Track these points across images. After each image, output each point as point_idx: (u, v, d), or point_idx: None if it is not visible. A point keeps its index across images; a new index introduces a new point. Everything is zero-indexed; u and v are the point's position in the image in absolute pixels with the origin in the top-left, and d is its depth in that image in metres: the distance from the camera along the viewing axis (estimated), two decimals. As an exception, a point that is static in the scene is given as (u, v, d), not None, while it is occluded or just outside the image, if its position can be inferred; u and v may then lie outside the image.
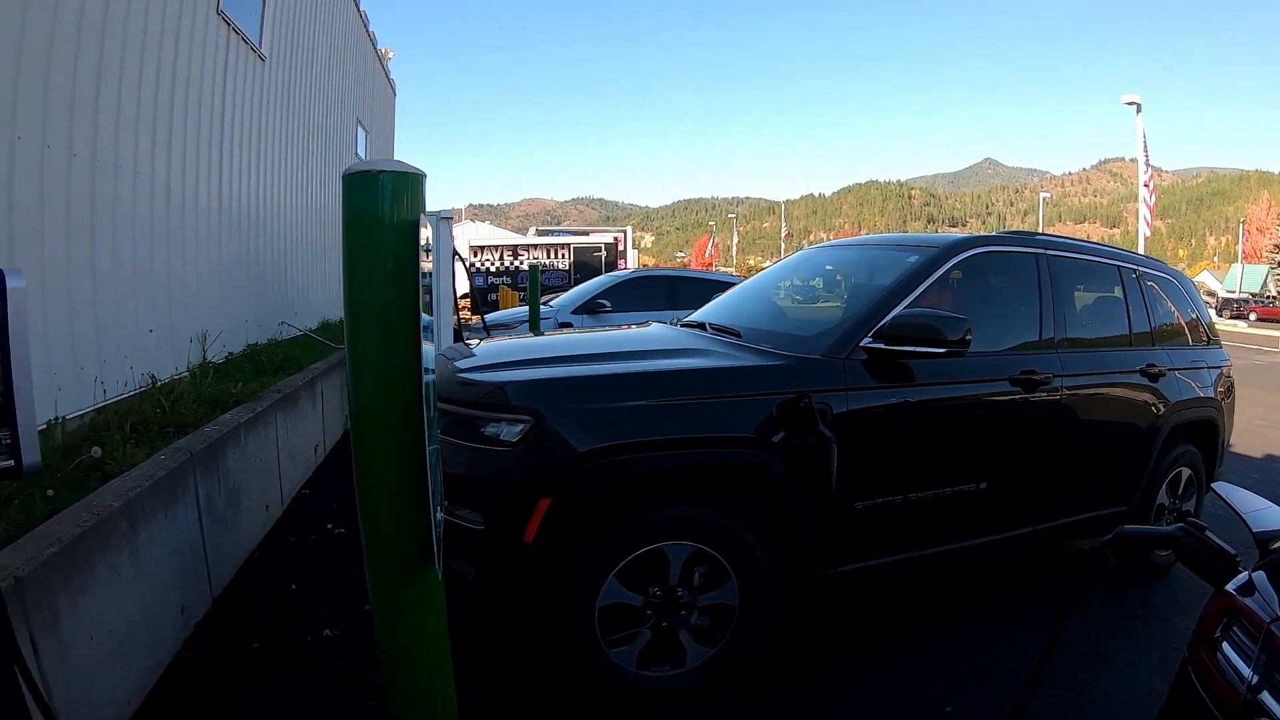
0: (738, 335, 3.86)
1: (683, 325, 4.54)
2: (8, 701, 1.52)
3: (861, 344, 3.39)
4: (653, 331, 4.44)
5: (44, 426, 4.20)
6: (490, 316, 10.64)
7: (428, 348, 1.61)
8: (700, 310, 4.87)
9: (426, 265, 1.66)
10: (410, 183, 1.67)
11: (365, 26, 14.52)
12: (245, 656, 3.54)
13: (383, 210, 1.63)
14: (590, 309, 9.95)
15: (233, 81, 7.47)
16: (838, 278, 4.96)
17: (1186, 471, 5.02)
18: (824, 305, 4.81)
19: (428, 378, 1.58)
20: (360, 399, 1.69)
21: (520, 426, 2.99)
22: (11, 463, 1.31)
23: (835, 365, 3.33)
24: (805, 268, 5.39)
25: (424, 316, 1.63)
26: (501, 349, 3.95)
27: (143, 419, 4.62)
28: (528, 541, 2.88)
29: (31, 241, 4.46)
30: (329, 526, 5.21)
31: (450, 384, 3.37)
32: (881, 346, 3.38)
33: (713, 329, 4.16)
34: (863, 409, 3.31)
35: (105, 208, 5.18)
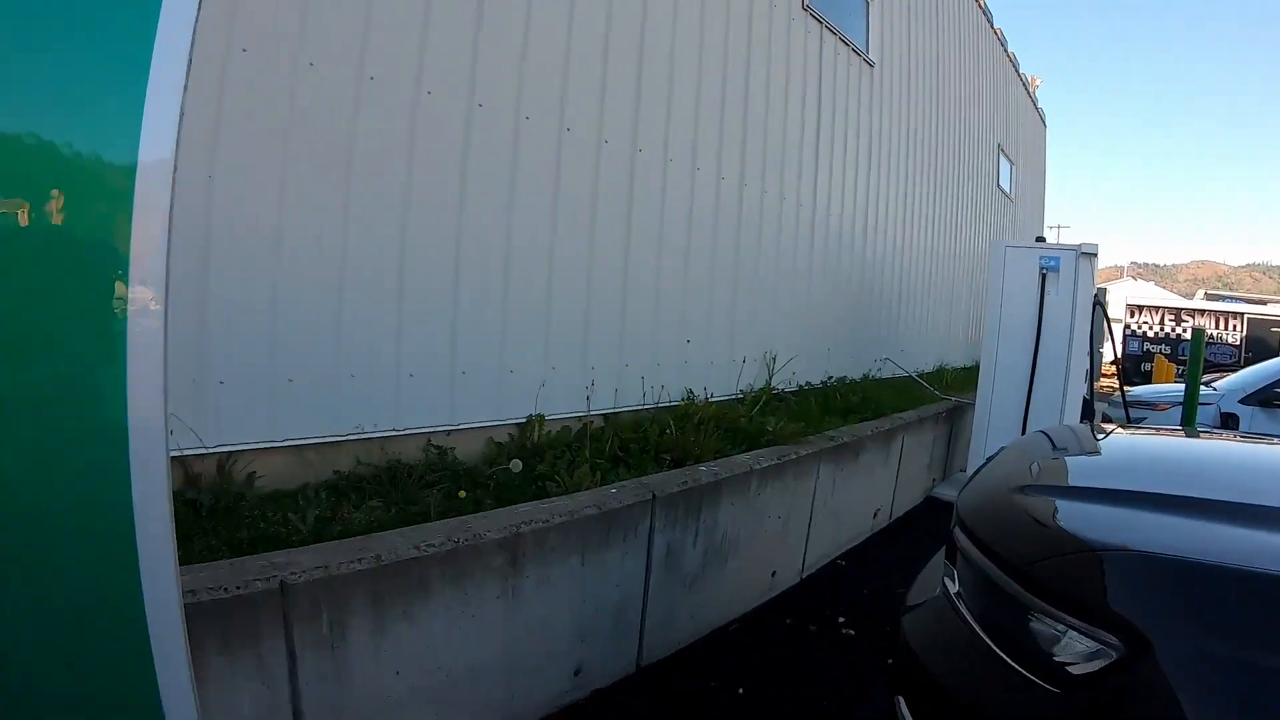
0: None
1: None
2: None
3: None
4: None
5: (523, 420, 3.94)
6: (1134, 391, 8.33)
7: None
8: None
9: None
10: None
11: (1003, 46, 12.71)
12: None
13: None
14: (1266, 400, 7.15)
15: (829, 85, 6.73)
16: None
17: None
18: None
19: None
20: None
21: (1097, 659, 1.50)
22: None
23: None
24: None
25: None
26: (1134, 455, 2.60)
27: (640, 437, 4.03)
28: None
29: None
30: (839, 620, 3.80)
31: (1006, 511, 2.01)
32: None
33: None
34: None
35: (642, 198, 4.80)
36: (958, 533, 2.08)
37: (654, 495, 3.17)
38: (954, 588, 2.04)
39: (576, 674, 2.91)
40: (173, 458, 2.66)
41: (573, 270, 4.26)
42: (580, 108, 4.22)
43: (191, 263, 2.76)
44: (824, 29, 6.55)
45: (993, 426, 6.04)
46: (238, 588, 1.92)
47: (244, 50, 2.82)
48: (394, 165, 3.36)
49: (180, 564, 2.10)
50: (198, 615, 1.82)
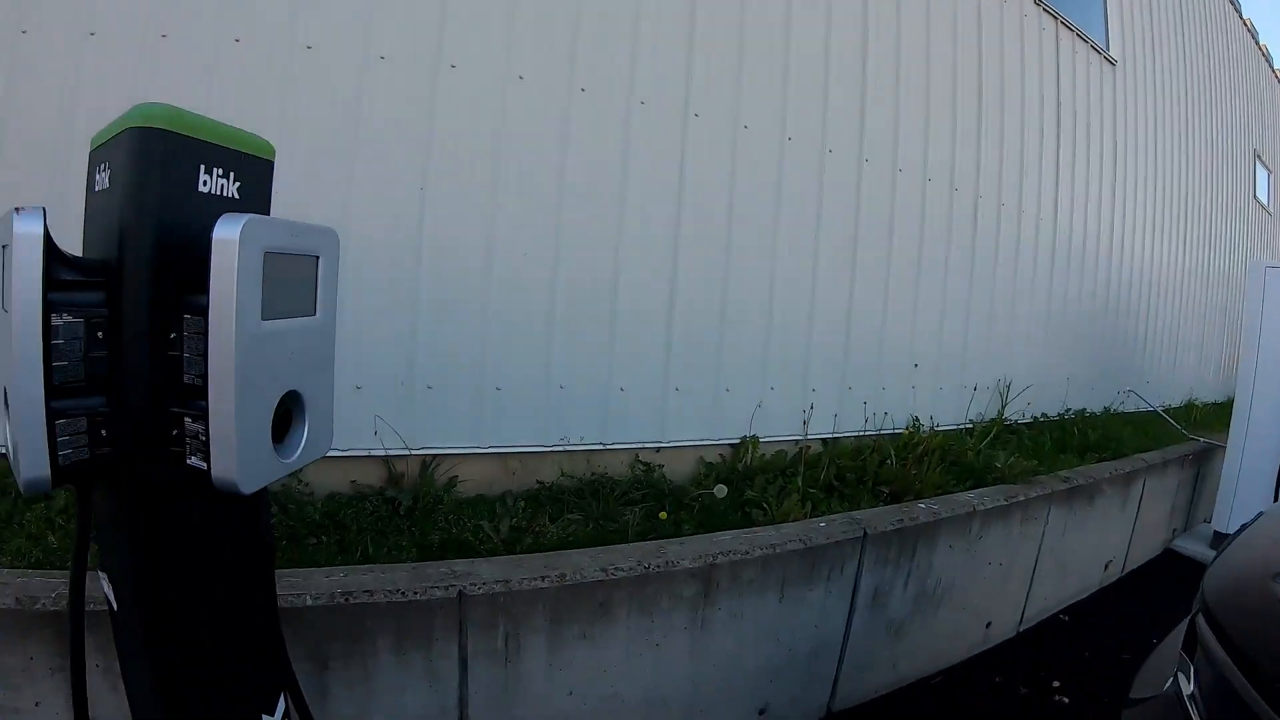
0: None
1: None
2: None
3: None
4: None
5: (736, 441, 3.86)
6: None
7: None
8: None
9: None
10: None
11: (1254, 39, 10.86)
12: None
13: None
14: None
15: (1068, 86, 6.08)
16: None
17: None
18: None
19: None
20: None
21: None
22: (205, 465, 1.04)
23: None
24: None
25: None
26: None
27: (858, 466, 3.88)
28: None
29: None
30: (1054, 684, 3.43)
31: (1261, 604, 1.71)
32: None
33: None
34: None
35: (868, 213, 4.56)
36: (1201, 622, 1.76)
37: (865, 532, 3.01)
38: (1188, 688, 1.75)
39: (761, 713, 2.82)
40: (375, 456, 2.83)
41: (794, 288, 4.14)
42: (801, 117, 4.09)
43: (404, 269, 2.91)
44: (1059, 24, 5.94)
45: (1244, 475, 5.32)
46: (415, 593, 2.00)
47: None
48: (606, 188, 3.43)
49: (366, 562, 2.24)
50: (373, 615, 1.93)
